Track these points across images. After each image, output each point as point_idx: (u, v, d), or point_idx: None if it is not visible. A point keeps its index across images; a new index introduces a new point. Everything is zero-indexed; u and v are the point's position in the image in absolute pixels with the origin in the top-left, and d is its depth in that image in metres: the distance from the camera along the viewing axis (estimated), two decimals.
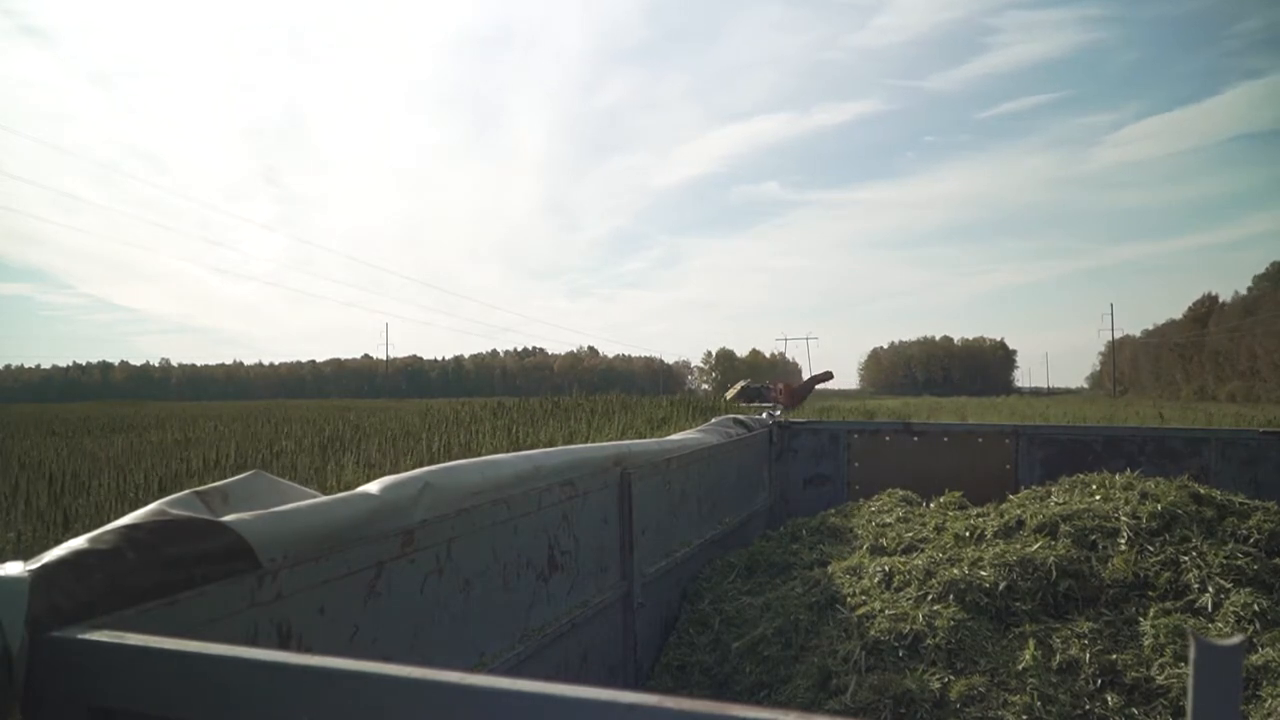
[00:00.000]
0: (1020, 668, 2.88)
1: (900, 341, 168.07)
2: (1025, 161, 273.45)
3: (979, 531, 3.92)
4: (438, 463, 2.65)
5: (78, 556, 1.39)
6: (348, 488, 2.29)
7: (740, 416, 5.62)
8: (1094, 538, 3.61)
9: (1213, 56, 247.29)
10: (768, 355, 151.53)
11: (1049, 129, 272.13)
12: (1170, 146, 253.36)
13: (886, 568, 3.60)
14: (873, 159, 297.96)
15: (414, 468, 2.42)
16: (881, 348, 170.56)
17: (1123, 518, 3.68)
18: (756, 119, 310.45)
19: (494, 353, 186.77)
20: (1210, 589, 3.21)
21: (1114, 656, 2.94)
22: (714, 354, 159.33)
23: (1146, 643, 3.00)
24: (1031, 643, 3.01)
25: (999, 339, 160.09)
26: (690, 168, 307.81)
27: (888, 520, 4.52)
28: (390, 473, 2.48)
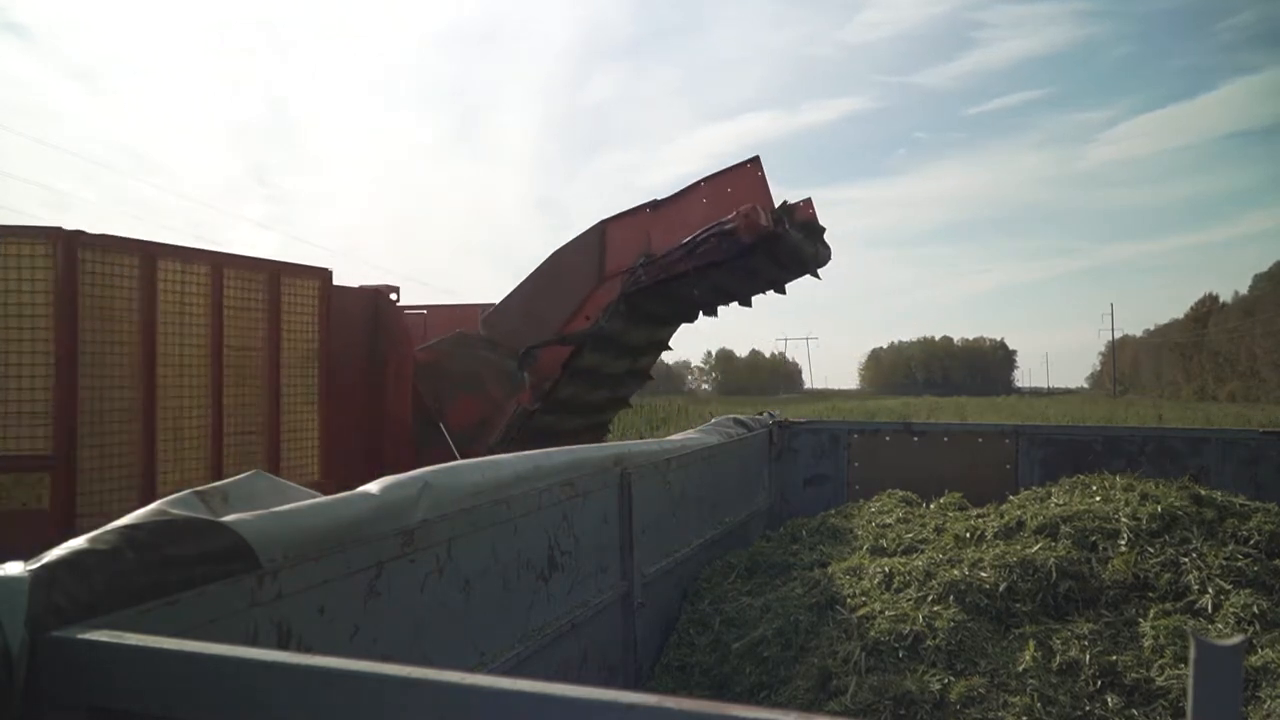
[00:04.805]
0: (1020, 669, 2.88)
1: (900, 341, 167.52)
2: (1020, 159, 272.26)
3: (979, 532, 3.93)
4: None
5: (78, 556, 1.39)
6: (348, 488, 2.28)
7: (740, 416, 5.62)
8: (1094, 539, 3.62)
9: (1206, 52, 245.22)
10: (768, 355, 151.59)
11: (1042, 125, 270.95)
12: (1165, 144, 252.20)
13: (887, 569, 3.60)
14: (864, 157, 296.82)
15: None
16: (881, 348, 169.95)
17: (1123, 519, 3.68)
18: (745, 116, 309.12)
19: None
20: (1210, 590, 3.21)
21: (1114, 658, 2.94)
22: (714, 354, 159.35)
23: (1146, 644, 3.00)
24: (1032, 644, 3.01)
25: (999, 339, 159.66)
26: (680, 165, 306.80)
27: (888, 521, 4.52)
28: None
